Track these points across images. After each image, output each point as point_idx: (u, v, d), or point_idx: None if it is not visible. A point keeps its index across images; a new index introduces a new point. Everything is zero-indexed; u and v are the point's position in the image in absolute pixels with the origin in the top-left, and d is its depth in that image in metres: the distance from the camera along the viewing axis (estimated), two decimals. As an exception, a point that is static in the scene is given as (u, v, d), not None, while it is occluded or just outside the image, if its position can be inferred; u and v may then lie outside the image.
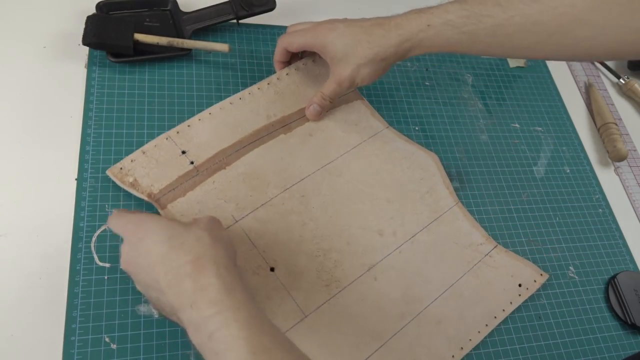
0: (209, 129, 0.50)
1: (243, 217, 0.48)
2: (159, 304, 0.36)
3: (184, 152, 0.48)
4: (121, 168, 0.46)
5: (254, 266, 0.46)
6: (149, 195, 0.46)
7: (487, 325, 0.49)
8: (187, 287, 0.32)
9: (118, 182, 0.46)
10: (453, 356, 0.47)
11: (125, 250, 0.36)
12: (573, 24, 0.39)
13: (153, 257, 0.34)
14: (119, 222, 0.37)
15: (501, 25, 0.42)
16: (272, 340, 0.31)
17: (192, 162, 0.48)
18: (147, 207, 0.46)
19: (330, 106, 0.54)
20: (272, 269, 0.46)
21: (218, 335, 0.30)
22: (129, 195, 0.47)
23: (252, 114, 0.52)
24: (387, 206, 0.52)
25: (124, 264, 0.37)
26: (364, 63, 0.47)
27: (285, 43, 0.51)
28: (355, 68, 0.47)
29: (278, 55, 0.53)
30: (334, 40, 0.47)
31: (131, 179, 0.44)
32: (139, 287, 0.38)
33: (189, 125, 0.50)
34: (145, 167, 0.47)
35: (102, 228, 0.46)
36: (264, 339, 0.31)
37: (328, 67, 0.51)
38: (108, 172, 0.46)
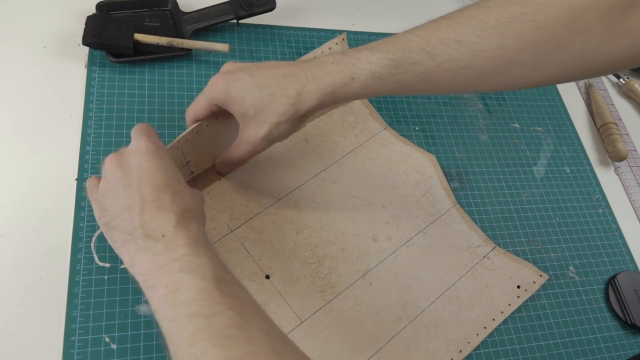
0: (208, 139, 0.48)
1: (238, 227, 0.48)
2: (118, 224, 0.36)
3: (188, 162, 0.47)
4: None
5: (249, 274, 0.46)
6: None
7: (485, 327, 0.49)
8: (170, 219, 0.34)
9: None
10: (452, 359, 0.47)
11: (112, 164, 0.36)
12: (505, 65, 0.38)
13: (148, 174, 0.36)
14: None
15: (431, 72, 0.39)
16: (233, 279, 0.34)
17: (192, 172, 0.48)
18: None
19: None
20: (267, 277, 0.47)
21: (184, 261, 0.32)
22: (129, 195, 0.47)
23: None
24: (381, 211, 0.53)
25: (107, 176, 0.37)
26: (283, 121, 0.40)
27: (190, 114, 0.44)
28: (273, 127, 0.41)
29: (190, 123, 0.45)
30: (240, 94, 0.40)
31: None
32: (99, 204, 0.38)
33: (197, 132, 0.46)
34: None
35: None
36: (229, 276, 0.34)
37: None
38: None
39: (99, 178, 0.39)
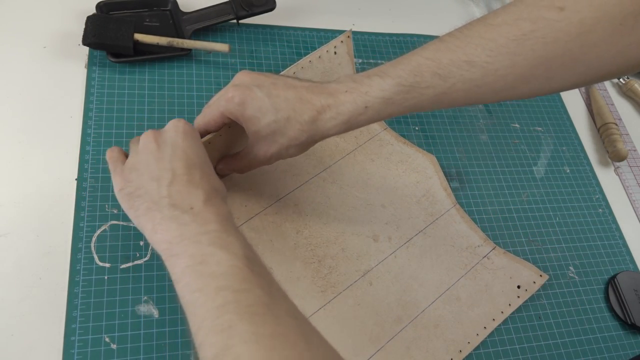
0: (218, 147, 0.47)
1: (238, 227, 0.47)
2: (143, 193, 0.36)
3: None
4: None
5: None
6: None
7: (485, 327, 0.50)
8: (199, 194, 0.35)
9: None
10: (452, 359, 0.47)
11: (148, 138, 0.38)
12: (518, 82, 0.38)
13: (182, 151, 0.37)
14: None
15: (444, 93, 0.38)
16: (261, 262, 0.34)
17: None
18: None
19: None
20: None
21: (213, 236, 0.33)
22: (129, 195, 0.47)
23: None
24: (381, 211, 0.53)
25: (140, 150, 0.38)
26: (294, 145, 0.41)
27: (202, 125, 0.43)
28: (284, 148, 0.41)
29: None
30: (256, 113, 0.39)
31: None
32: (123, 176, 0.38)
33: (209, 142, 0.44)
34: None
35: (103, 227, 0.46)
36: (257, 259, 0.34)
37: None
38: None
39: (122, 151, 0.41)
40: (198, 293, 0.31)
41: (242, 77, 0.41)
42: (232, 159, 0.46)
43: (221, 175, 0.49)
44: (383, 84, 0.39)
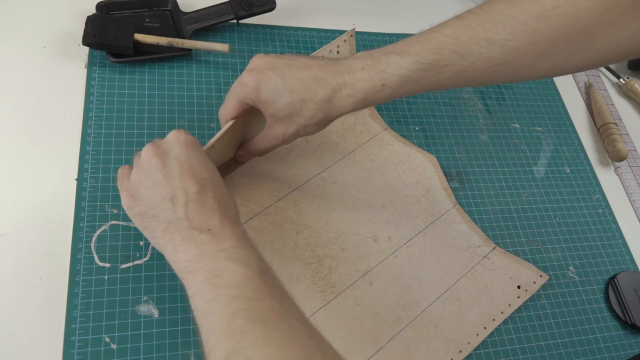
0: (238, 133, 0.47)
1: None
2: (158, 214, 0.36)
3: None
4: None
5: None
6: None
7: (485, 328, 0.49)
8: (215, 216, 0.35)
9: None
10: (452, 359, 0.47)
11: (150, 154, 0.37)
12: (538, 59, 0.38)
13: (188, 166, 0.37)
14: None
15: (463, 72, 0.38)
16: (274, 275, 0.35)
17: None
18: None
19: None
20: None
21: (230, 252, 0.33)
22: (129, 195, 0.47)
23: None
24: (381, 212, 0.53)
25: (143, 166, 0.38)
26: (311, 124, 0.41)
27: (224, 116, 0.44)
28: (301, 128, 0.41)
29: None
30: (271, 96, 0.40)
31: None
32: (130, 193, 0.38)
33: (231, 129, 0.44)
34: None
35: (103, 227, 0.46)
36: (271, 271, 0.35)
37: None
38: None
39: (131, 167, 0.40)
40: (211, 302, 0.31)
41: (257, 61, 0.41)
42: (251, 142, 0.46)
43: (242, 161, 0.49)
44: (401, 61, 0.38)
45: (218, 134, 0.43)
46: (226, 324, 0.30)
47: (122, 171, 0.41)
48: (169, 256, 0.36)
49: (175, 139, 0.38)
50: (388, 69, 0.39)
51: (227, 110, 0.43)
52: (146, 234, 0.38)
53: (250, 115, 0.44)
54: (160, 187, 0.36)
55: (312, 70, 0.40)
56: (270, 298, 0.31)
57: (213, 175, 0.38)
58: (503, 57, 0.37)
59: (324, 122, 0.42)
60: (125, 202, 0.39)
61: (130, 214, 0.39)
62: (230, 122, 0.43)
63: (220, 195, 0.37)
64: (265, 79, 0.39)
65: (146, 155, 0.38)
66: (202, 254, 0.34)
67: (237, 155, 0.48)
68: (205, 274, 0.33)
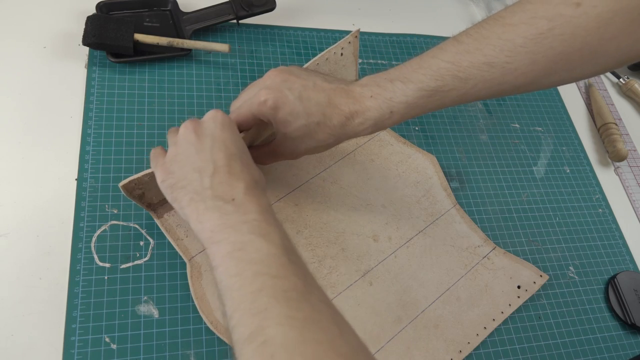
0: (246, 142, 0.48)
1: None
2: (186, 185, 0.37)
3: None
4: (135, 183, 0.44)
5: None
6: (148, 205, 0.46)
7: (485, 328, 0.49)
8: (240, 186, 0.36)
9: (126, 194, 0.43)
10: (452, 359, 0.47)
11: (187, 129, 0.38)
12: (539, 77, 0.38)
13: (221, 142, 0.37)
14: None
15: (467, 94, 0.39)
16: (298, 253, 0.35)
17: None
18: (147, 216, 0.46)
19: None
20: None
21: (253, 225, 0.34)
22: (129, 195, 0.47)
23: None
24: (381, 211, 0.53)
25: (180, 141, 0.38)
26: (322, 146, 0.43)
27: (234, 118, 0.44)
28: (311, 149, 0.43)
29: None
30: (288, 117, 0.41)
31: (140, 192, 0.44)
32: (165, 168, 0.39)
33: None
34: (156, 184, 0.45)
35: (103, 227, 0.46)
36: (295, 249, 0.35)
37: None
38: (120, 186, 0.43)
39: (163, 149, 0.41)
40: (236, 278, 0.32)
41: (274, 77, 0.42)
42: (258, 152, 0.46)
43: None
44: (406, 89, 0.40)
45: None
46: (250, 302, 0.30)
47: (155, 151, 0.42)
48: (194, 225, 0.36)
49: (212, 118, 0.39)
50: (394, 98, 0.40)
51: (239, 123, 0.43)
52: (175, 205, 0.39)
53: (259, 125, 0.44)
54: (192, 159, 0.37)
55: (328, 95, 0.41)
56: (294, 277, 0.32)
57: (243, 152, 0.39)
58: (504, 78, 0.38)
59: (332, 144, 0.43)
60: (159, 176, 0.39)
61: (162, 187, 0.39)
62: (243, 134, 0.43)
63: (249, 168, 0.38)
64: (284, 100, 0.40)
65: (184, 130, 0.39)
66: (226, 224, 0.34)
67: None
68: (229, 246, 0.33)
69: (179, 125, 0.40)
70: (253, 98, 0.41)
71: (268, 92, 0.40)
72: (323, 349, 0.28)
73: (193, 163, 0.37)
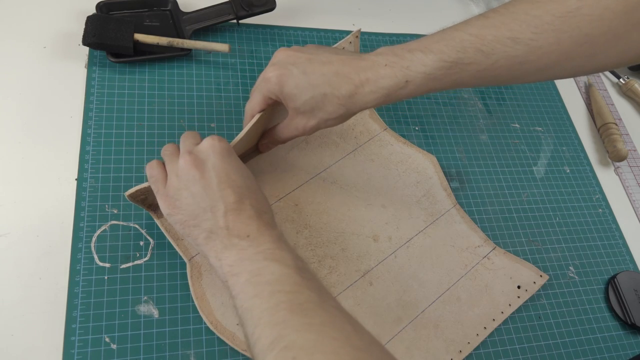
0: (261, 124, 0.48)
1: None
2: (199, 223, 0.38)
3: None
4: (141, 192, 0.44)
5: None
6: (149, 206, 0.46)
7: (485, 328, 0.49)
8: (252, 224, 0.37)
9: (129, 199, 0.44)
10: (452, 359, 0.47)
11: (188, 165, 0.38)
12: (562, 59, 0.38)
13: (226, 176, 0.38)
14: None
15: (486, 70, 0.39)
16: (311, 271, 0.37)
17: None
18: (147, 216, 0.46)
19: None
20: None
21: (268, 253, 0.35)
22: (129, 195, 0.47)
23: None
24: (381, 211, 0.53)
25: (182, 175, 0.38)
26: (332, 118, 0.42)
27: (249, 111, 0.45)
28: (322, 122, 0.43)
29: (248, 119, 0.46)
30: (293, 90, 0.41)
31: (142, 197, 0.44)
32: (170, 200, 0.39)
33: (256, 122, 0.46)
34: None
35: (103, 227, 0.46)
36: (308, 268, 0.37)
37: None
38: (127, 196, 0.43)
39: (162, 167, 0.41)
40: (255, 298, 0.33)
41: (279, 55, 0.42)
42: (274, 131, 0.47)
43: (263, 151, 0.50)
44: (425, 59, 0.39)
45: (246, 129, 0.44)
46: (269, 316, 0.32)
47: (152, 172, 0.41)
48: (213, 262, 0.37)
49: (210, 148, 0.39)
50: (412, 67, 0.39)
51: (252, 106, 0.44)
52: (189, 239, 0.40)
53: (273, 107, 0.45)
54: (200, 198, 0.38)
55: (334, 65, 0.40)
56: (308, 290, 0.33)
57: (249, 182, 0.39)
58: (527, 56, 0.38)
59: (345, 116, 0.42)
60: (164, 209, 0.40)
61: (170, 220, 0.40)
62: (257, 116, 0.44)
63: (257, 201, 0.39)
64: (287, 74, 0.40)
65: (184, 165, 0.38)
66: (243, 257, 0.36)
67: (260, 145, 0.49)
68: (247, 275, 0.35)
69: (178, 127, 0.40)
70: (260, 79, 0.43)
71: (273, 68, 0.41)
72: (340, 344, 0.30)
73: (202, 202, 0.37)
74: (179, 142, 0.42)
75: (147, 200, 0.45)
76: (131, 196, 0.43)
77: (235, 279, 0.35)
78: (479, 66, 0.39)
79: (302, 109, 0.42)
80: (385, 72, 0.39)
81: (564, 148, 0.66)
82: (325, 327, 0.31)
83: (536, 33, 0.37)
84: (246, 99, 0.56)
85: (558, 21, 0.37)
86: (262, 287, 0.34)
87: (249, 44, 0.60)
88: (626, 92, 0.74)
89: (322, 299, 0.33)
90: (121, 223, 0.46)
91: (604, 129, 0.68)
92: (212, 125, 0.53)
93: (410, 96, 0.41)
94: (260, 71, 0.58)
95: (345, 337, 0.30)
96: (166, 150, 0.42)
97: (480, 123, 0.64)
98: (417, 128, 0.61)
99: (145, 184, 0.42)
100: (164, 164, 0.42)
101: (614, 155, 0.65)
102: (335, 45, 0.50)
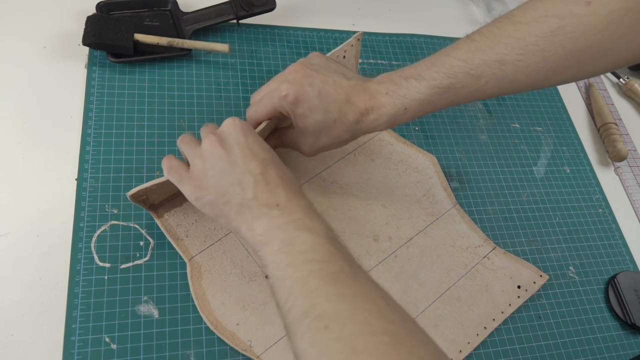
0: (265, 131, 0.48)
1: None
2: (230, 199, 0.38)
3: None
4: (143, 192, 0.44)
5: (249, 273, 0.46)
6: (150, 206, 0.46)
7: (485, 327, 0.49)
8: (280, 192, 0.37)
9: (130, 199, 0.43)
10: (452, 359, 0.47)
11: (213, 144, 0.39)
12: (549, 74, 0.39)
13: (249, 150, 0.39)
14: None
15: (478, 90, 0.41)
16: (342, 242, 0.37)
17: None
18: (147, 216, 0.46)
19: None
20: (267, 276, 0.46)
21: (299, 223, 0.36)
22: (129, 195, 0.47)
23: None
24: (382, 211, 0.53)
25: (207, 156, 0.39)
26: (337, 142, 0.45)
27: (254, 119, 0.45)
28: (327, 145, 0.45)
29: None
30: (306, 112, 0.42)
31: (144, 197, 0.44)
32: (196, 184, 0.39)
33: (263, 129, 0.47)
34: (161, 190, 0.45)
35: (103, 227, 0.46)
36: (339, 238, 0.37)
37: None
38: (129, 196, 0.43)
39: (175, 157, 0.42)
40: (287, 267, 0.34)
41: (295, 72, 0.43)
42: (278, 140, 0.48)
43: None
44: (419, 87, 0.41)
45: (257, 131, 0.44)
46: (301, 285, 0.32)
47: (171, 162, 0.41)
48: (245, 234, 0.38)
49: (231, 126, 0.40)
50: (408, 94, 0.41)
51: (259, 115, 0.44)
52: (220, 220, 0.39)
53: (277, 117, 0.46)
54: (227, 174, 0.38)
55: (345, 91, 0.42)
56: (340, 260, 0.34)
57: (271, 154, 0.40)
58: (515, 75, 0.39)
59: (347, 141, 0.45)
60: (192, 194, 0.40)
61: (199, 205, 0.40)
62: (264, 123, 0.44)
63: (282, 171, 0.39)
64: (304, 96, 0.42)
65: (209, 144, 0.39)
66: (274, 226, 0.36)
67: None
68: (279, 244, 0.35)
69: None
70: (274, 91, 0.43)
71: (289, 86, 0.42)
72: (373, 316, 0.30)
73: (229, 177, 0.38)
74: (178, 143, 0.43)
75: (148, 200, 0.45)
76: (133, 196, 0.43)
77: (267, 248, 0.35)
78: (470, 88, 0.41)
79: (310, 129, 0.43)
80: (385, 101, 0.42)
81: (564, 148, 0.66)
82: (357, 297, 0.31)
83: (521, 54, 0.38)
84: (246, 99, 0.56)
85: (542, 41, 0.38)
86: (294, 256, 0.34)
87: (249, 44, 0.60)
88: (626, 92, 0.74)
89: (354, 270, 0.34)
90: (121, 223, 0.46)
91: (604, 129, 0.68)
92: (212, 125, 0.53)
93: (410, 119, 0.43)
94: (260, 71, 0.59)
95: (378, 309, 0.31)
96: (184, 139, 0.42)
97: (480, 123, 0.64)
98: (417, 128, 0.61)
99: (147, 185, 0.42)
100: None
101: (614, 155, 0.65)
102: (336, 49, 0.50)
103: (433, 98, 0.41)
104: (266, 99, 0.43)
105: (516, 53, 0.38)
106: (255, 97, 0.46)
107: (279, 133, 0.48)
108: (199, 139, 0.42)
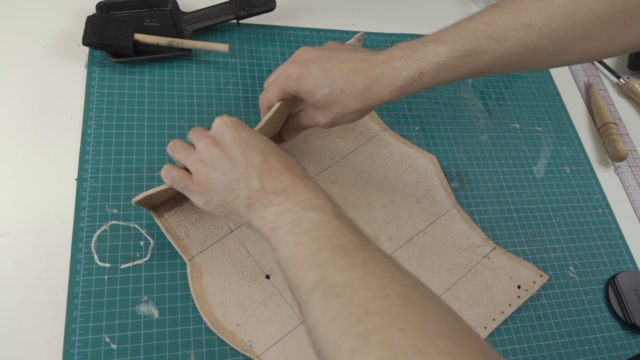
0: (280, 114, 0.48)
1: (238, 227, 0.48)
2: (238, 195, 0.38)
3: None
4: (148, 199, 0.44)
5: (249, 273, 0.46)
6: (150, 207, 0.46)
7: (485, 327, 0.49)
8: (284, 178, 0.37)
9: (137, 204, 0.44)
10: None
11: (209, 147, 0.39)
12: (577, 42, 0.38)
13: (246, 143, 0.39)
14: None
15: (500, 57, 0.39)
16: (350, 218, 0.37)
17: None
18: (147, 216, 0.46)
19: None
20: (267, 277, 0.47)
21: (305, 203, 0.35)
22: (129, 196, 0.47)
23: None
24: (381, 211, 0.53)
25: (207, 159, 0.39)
26: (348, 113, 0.43)
27: (265, 103, 0.46)
28: (339, 117, 0.44)
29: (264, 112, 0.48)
30: (312, 87, 0.42)
31: (147, 200, 0.44)
32: (202, 189, 0.39)
33: (276, 112, 0.47)
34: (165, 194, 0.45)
35: (103, 227, 0.46)
36: (346, 214, 0.37)
37: None
38: (134, 203, 0.43)
39: (174, 166, 0.42)
40: (296, 247, 0.33)
41: (301, 53, 0.44)
42: (294, 118, 0.48)
43: (287, 139, 0.51)
44: (438, 49, 0.40)
45: (266, 117, 0.44)
46: (311, 260, 0.32)
47: (173, 173, 0.41)
48: (258, 225, 0.37)
49: (223, 125, 0.40)
50: (425, 58, 0.40)
51: (269, 98, 0.45)
52: (232, 217, 0.39)
53: (292, 98, 0.46)
54: (230, 171, 0.38)
55: (352, 63, 0.42)
56: (348, 233, 0.33)
57: (268, 143, 0.40)
58: (540, 41, 0.38)
59: (362, 112, 0.43)
60: (200, 200, 0.40)
61: (209, 208, 0.40)
62: (277, 104, 0.45)
63: (283, 157, 0.39)
64: (308, 72, 0.42)
65: (205, 148, 0.39)
66: (283, 211, 0.36)
67: (283, 131, 0.50)
68: (288, 226, 0.35)
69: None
70: (281, 74, 0.44)
71: (294, 66, 0.43)
72: (386, 281, 0.30)
73: (233, 173, 0.38)
74: (170, 153, 0.43)
75: (149, 202, 0.45)
76: (138, 202, 0.43)
77: (277, 232, 0.35)
78: (491, 54, 0.39)
79: (319, 103, 0.43)
80: (400, 65, 0.40)
81: (564, 148, 0.66)
82: (368, 265, 0.31)
83: (549, 18, 0.37)
84: (246, 99, 0.56)
85: (571, 4, 0.37)
86: (302, 235, 0.34)
87: (249, 44, 0.60)
88: (626, 92, 0.74)
89: (363, 241, 0.33)
90: (121, 223, 0.46)
91: (604, 129, 0.68)
92: (212, 125, 0.53)
93: (426, 87, 0.41)
94: (260, 71, 0.59)
95: (390, 275, 0.30)
96: (176, 148, 0.42)
97: (480, 123, 0.64)
98: (417, 128, 0.61)
99: (152, 191, 0.42)
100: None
101: (614, 155, 0.65)
102: None
103: (452, 63, 0.39)
104: (275, 82, 0.44)
105: (543, 17, 0.37)
106: (267, 82, 0.47)
107: (296, 114, 0.48)
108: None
